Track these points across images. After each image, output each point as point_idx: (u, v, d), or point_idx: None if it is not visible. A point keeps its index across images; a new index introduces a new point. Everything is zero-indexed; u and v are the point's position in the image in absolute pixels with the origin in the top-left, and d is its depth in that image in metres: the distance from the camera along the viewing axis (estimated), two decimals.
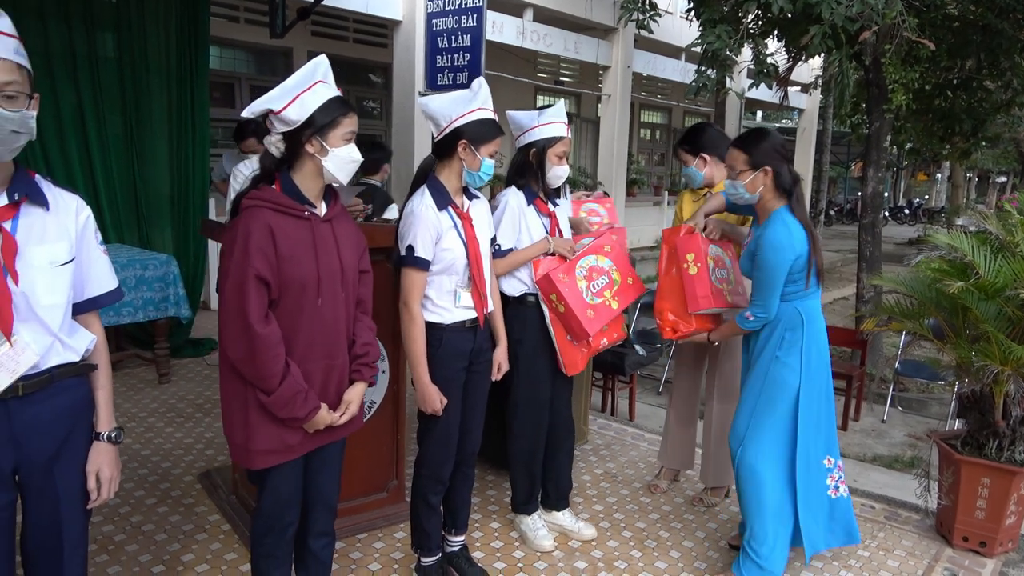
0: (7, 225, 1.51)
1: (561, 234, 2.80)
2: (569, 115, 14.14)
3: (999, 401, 2.84)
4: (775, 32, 7.08)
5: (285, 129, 1.93)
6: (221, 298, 1.87)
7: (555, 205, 2.82)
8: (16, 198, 1.54)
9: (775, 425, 2.59)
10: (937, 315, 3.00)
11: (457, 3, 7.67)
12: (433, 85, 8.07)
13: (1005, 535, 2.98)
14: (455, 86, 7.92)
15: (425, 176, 2.46)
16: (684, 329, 2.83)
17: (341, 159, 1.93)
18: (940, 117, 8.44)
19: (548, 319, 2.72)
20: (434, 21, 7.89)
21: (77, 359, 1.65)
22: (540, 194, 2.76)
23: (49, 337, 1.58)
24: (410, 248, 2.34)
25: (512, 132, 2.80)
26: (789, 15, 6.22)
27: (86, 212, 1.69)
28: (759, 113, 22.03)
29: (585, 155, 13.93)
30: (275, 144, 1.96)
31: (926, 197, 30.09)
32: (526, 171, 2.74)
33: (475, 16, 7.58)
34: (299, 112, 1.90)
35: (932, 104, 8.13)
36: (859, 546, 3.01)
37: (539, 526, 2.97)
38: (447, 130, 2.37)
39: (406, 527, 3.03)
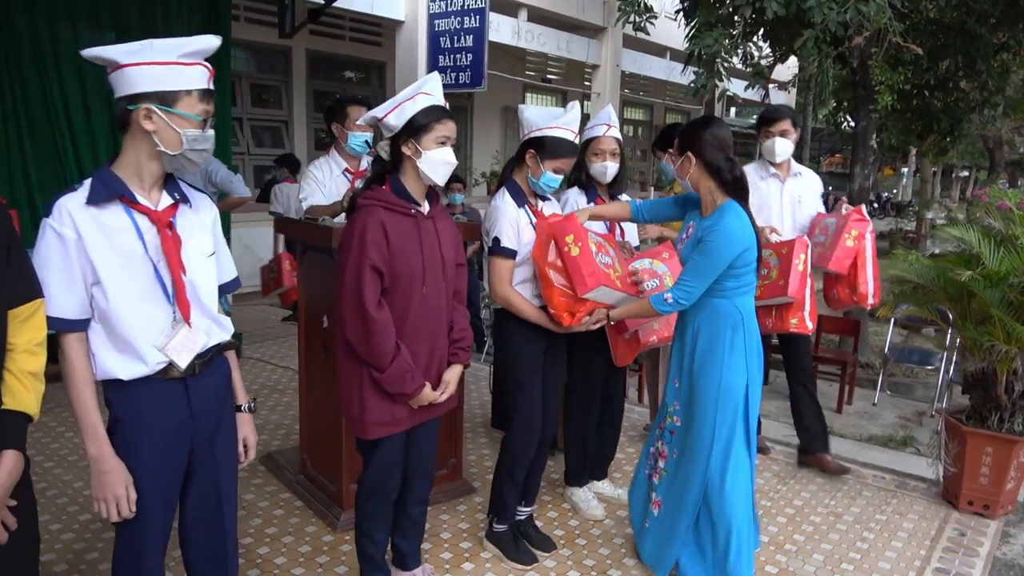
0: (173, 222, 1.73)
1: (623, 232, 3.06)
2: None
3: (1002, 378, 3.17)
4: (762, 32, 7.39)
5: (389, 134, 2.18)
6: (340, 286, 2.12)
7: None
8: (176, 197, 1.76)
9: (736, 439, 2.51)
10: (944, 302, 3.32)
11: (459, 4, 7.88)
12: None
13: (1006, 498, 3.32)
14: (457, 85, 8.13)
15: (506, 176, 2.74)
16: (581, 309, 2.60)
17: (434, 161, 2.17)
18: (919, 116, 8.84)
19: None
20: (436, 22, 8.09)
21: (227, 338, 1.87)
22: (600, 193, 3.03)
23: (208, 319, 1.81)
24: (496, 240, 2.61)
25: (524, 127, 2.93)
26: (780, 17, 6.48)
27: (215, 210, 1.91)
28: (732, 110, 22.55)
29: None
30: (384, 149, 2.21)
31: (894, 191, 30.91)
32: (582, 169, 3.01)
33: (477, 17, 7.79)
34: (398, 118, 2.15)
35: (912, 104, 8.54)
36: (877, 510, 3.33)
37: (590, 497, 3.23)
38: (526, 137, 2.63)
39: (467, 500, 3.30)
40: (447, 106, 2.22)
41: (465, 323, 2.40)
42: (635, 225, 3.17)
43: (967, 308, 3.28)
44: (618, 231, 3.06)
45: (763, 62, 7.54)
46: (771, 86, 8.07)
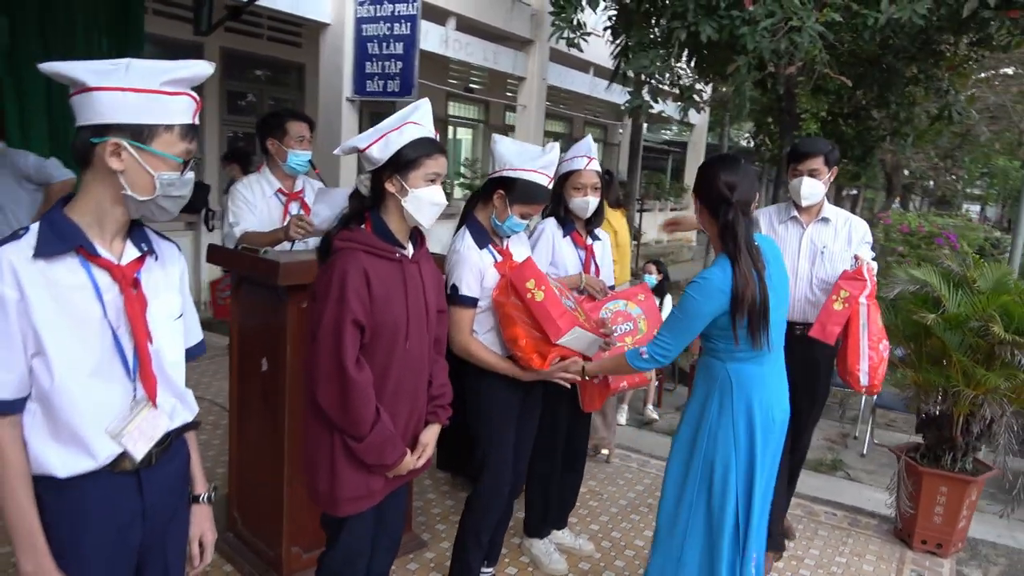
0: (139, 278, 1.42)
1: (598, 270, 2.89)
2: (477, 122, 14.27)
3: (958, 419, 3.19)
4: (695, 57, 7.48)
5: (371, 167, 1.91)
6: (315, 343, 1.82)
7: (594, 239, 2.90)
8: (143, 249, 1.44)
9: (704, 516, 2.24)
10: (901, 342, 3.32)
11: (390, 10, 7.57)
12: (362, 91, 7.93)
13: (957, 537, 3.34)
14: (385, 94, 7.82)
15: (467, 213, 2.50)
16: (552, 352, 2.37)
17: (421, 201, 1.91)
18: (836, 142, 9.19)
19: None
20: (364, 26, 7.75)
21: (191, 418, 1.56)
22: (578, 227, 2.84)
23: (174, 397, 1.50)
24: (454, 288, 2.36)
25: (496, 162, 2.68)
26: (712, 40, 6.52)
27: (183, 261, 1.60)
28: (644, 126, 23.06)
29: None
30: (363, 183, 1.93)
31: None
32: (559, 202, 2.82)
33: (409, 24, 7.51)
34: (383, 151, 1.88)
35: (827, 131, 8.86)
36: (836, 552, 3.29)
37: (551, 550, 3.03)
38: (496, 175, 2.41)
39: (417, 556, 3.04)
40: (438, 137, 1.97)
41: (444, 376, 2.16)
42: (611, 265, 3.00)
43: (921, 348, 3.30)
44: (592, 267, 2.89)
45: (694, 84, 7.63)
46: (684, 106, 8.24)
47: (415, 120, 1.93)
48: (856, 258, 2.83)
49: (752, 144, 10.85)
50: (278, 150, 3.04)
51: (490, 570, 2.72)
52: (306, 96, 10.03)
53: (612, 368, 2.50)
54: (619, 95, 14.24)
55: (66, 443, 1.35)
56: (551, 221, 2.86)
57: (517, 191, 2.38)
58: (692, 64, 7.68)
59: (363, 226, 1.93)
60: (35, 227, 1.35)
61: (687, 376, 6.20)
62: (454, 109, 13.38)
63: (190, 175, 1.40)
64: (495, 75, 12.62)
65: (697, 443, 2.24)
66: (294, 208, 3.06)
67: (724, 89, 10.69)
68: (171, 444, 1.51)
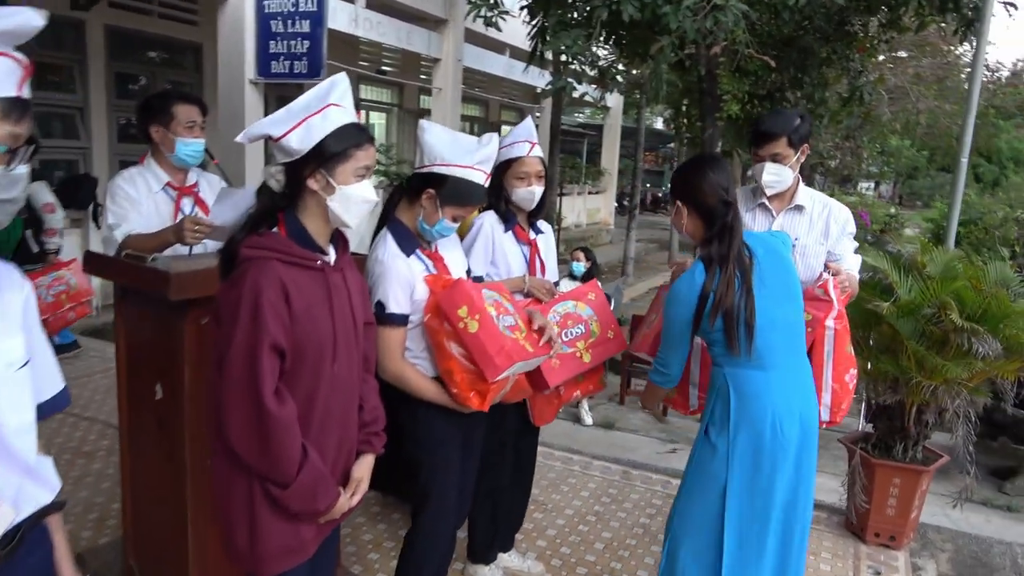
0: None
1: (543, 267, 2.60)
2: (391, 105, 13.76)
3: (911, 408, 3.10)
4: (614, 37, 7.31)
5: (286, 159, 1.56)
6: (223, 376, 1.47)
7: (537, 232, 2.61)
8: None
9: (703, 523, 2.07)
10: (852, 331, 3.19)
11: None
12: (266, 73, 7.37)
13: (910, 528, 3.27)
14: (291, 75, 7.30)
15: (388, 213, 2.15)
16: (491, 389, 2.04)
17: (350, 199, 1.60)
18: (749, 123, 9.25)
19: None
20: (266, 3, 7.18)
21: (51, 497, 1.19)
22: (520, 220, 2.54)
23: (19, 475, 1.12)
24: (380, 305, 2.03)
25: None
26: (635, 20, 6.35)
27: (27, 287, 1.22)
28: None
29: (408, 148, 13.58)
30: (274, 177, 1.58)
31: None
32: (499, 195, 2.50)
33: (315, 1, 7.01)
34: (303, 140, 1.54)
35: (747, 112, 8.89)
36: None
37: (499, 575, 2.76)
38: (424, 170, 2.08)
39: None
40: (362, 121, 1.63)
41: (376, 399, 1.83)
42: (555, 259, 2.72)
43: (870, 337, 3.19)
44: (538, 264, 2.60)
45: (612, 66, 7.47)
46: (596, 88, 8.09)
47: (336, 101, 1.59)
48: (824, 269, 2.47)
49: (671, 127, 10.84)
50: (164, 138, 2.59)
51: None
52: (204, 78, 9.31)
53: (651, 393, 2.34)
54: (536, 77, 14.04)
55: None
56: (490, 216, 2.54)
57: (449, 191, 2.04)
58: (611, 44, 7.50)
59: (275, 229, 1.58)
60: None
61: (619, 364, 6.04)
62: (366, 92, 12.84)
63: (21, 170, 1.03)
64: (408, 56, 12.14)
65: (700, 456, 2.11)
66: (187, 206, 2.64)
67: (636, 72, 10.61)
68: (23, 538, 1.14)
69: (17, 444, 1.12)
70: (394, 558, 2.79)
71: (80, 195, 6.76)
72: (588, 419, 5.13)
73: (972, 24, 6.18)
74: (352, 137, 1.58)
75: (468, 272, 2.33)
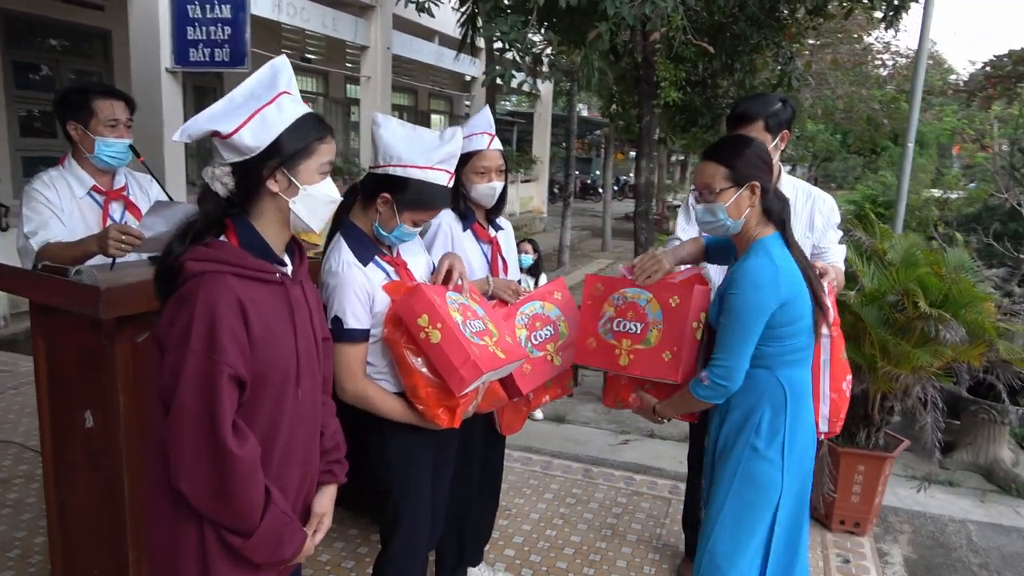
0: None
1: (506, 266, 2.44)
2: (316, 95, 13.31)
3: (876, 396, 3.10)
4: (548, 23, 7.20)
5: (237, 159, 1.36)
6: (172, 411, 1.27)
7: (497, 229, 2.45)
8: None
9: (752, 541, 1.97)
10: None
11: None
12: (184, 61, 6.94)
13: (873, 513, 3.29)
14: (212, 63, 6.89)
15: (341, 217, 1.95)
16: (461, 403, 1.91)
17: (315, 199, 1.43)
18: (682, 111, 9.32)
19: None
20: None
21: None
22: (479, 217, 2.37)
23: None
24: (337, 320, 1.84)
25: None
26: (571, 6, 6.24)
27: None
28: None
29: (337, 139, 13.16)
30: (220, 179, 1.37)
31: (630, 174, 33.59)
32: (457, 191, 2.33)
33: None
34: (259, 135, 1.36)
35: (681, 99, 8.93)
36: None
37: None
38: (379, 170, 1.89)
39: None
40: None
41: (336, 423, 1.66)
42: (517, 257, 2.57)
43: None
44: (500, 264, 2.44)
45: (542, 53, 7.36)
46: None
47: (286, 88, 1.40)
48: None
49: (605, 114, 10.82)
50: (83, 137, 2.30)
51: None
52: (115, 67, 8.74)
53: (683, 406, 2.07)
54: (467, 65, 13.80)
55: None
56: (448, 214, 2.35)
57: (409, 195, 1.85)
58: (545, 30, 7.38)
59: (223, 238, 1.38)
60: None
61: None
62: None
63: None
64: (333, 43, 11.73)
65: (749, 472, 1.94)
66: (116, 211, 2.36)
67: (566, 59, 10.52)
68: None
69: None
70: None
71: None
72: (539, 414, 5.01)
73: (899, 11, 6.34)
74: (313, 130, 1.41)
75: None
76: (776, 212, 1.93)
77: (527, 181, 18.76)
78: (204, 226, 1.38)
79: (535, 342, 2.35)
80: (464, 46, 6.81)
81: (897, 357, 2.88)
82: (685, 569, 2.87)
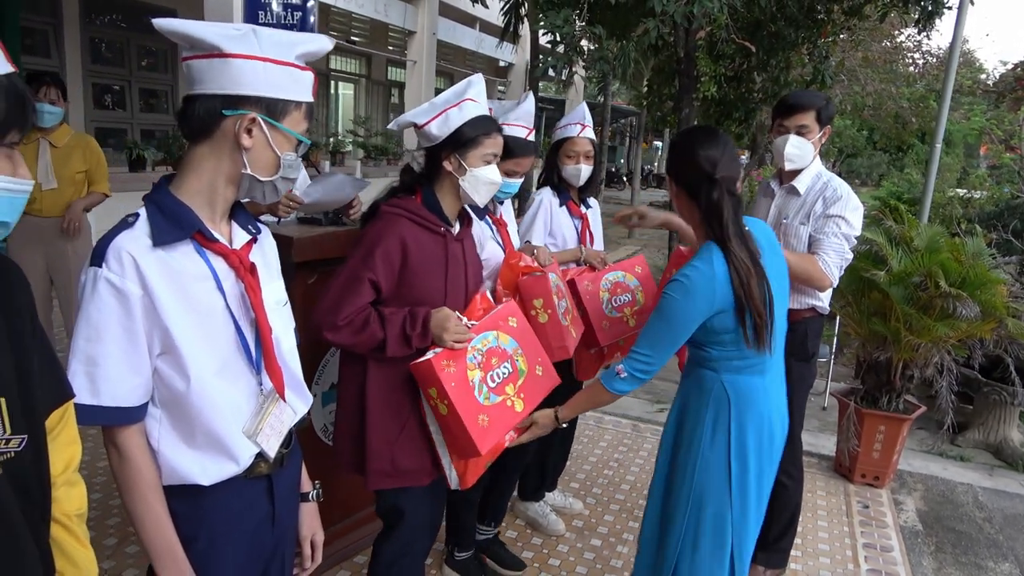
0: (255, 264, 1.31)
1: (592, 239, 2.90)
2: (359, 76, 13.73)
3: (898, 364, 3.54)
4: (597, 18, 7.58)
5: (428, 144, 1.88)
6: (329, 283, 1.80)
7: (588, 207, 2.91)
8: (252, 231, 1.33)
9: (711, 549, 1.84)
10: (845, 296, 3.62)
11: None
12: None
13: (891, 469, 3.74)
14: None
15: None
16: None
17: (478, 179, 1.89)
18: (717, 103, 9.68)
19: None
20: None
21: (307, 409, 1.46)
22: (572, 196, 2.84)
23: (294, 388, 1.39)
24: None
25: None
26: (621, 2, 6.61)
27: (274, 241, 1.48)
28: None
29: (378, 119, 13.63)
30: (415, 159, 1.89)
31: (655, 163, 33.85)
32: (553, 170, 2.81)
33: None
34: (442, 128, 1.84)
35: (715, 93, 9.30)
36: None
37: (548, 511, 3.10)
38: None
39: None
40: (492, 113, 1.93)
41: None
42: (601, 230, 3.03)
43: (861, 303, 3.61)
44: (588, 236, 2.90)
45: (589, 44, 7.74)
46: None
47: (472, 97, 1.87)
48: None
49: (643, 105, 11.17)
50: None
51: (493, 529, 2.77)
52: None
53: (588, 403, 2.04)
54: (503, 52, 14.19)
55: (204, 449, 1.24)
56: (547, 191, 2.84)
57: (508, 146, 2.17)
58: (589, 24, 7.77)
59: (414, 197, 1.89)
60: (143, 211, 1.20)
61: None
62: (335, 63, 12.81)
63: (299, 156, 1.29)
64: (377, 26, 12.16)
65: (681, 467, 1.88)
66: None
67: (593, 48, 10.82)
68: (292, 441, 1.41)
69: (292, 364, 1.39)
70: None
71: None
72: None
73: (932, 16, 6.68)
74: (483, 126, 1.87)
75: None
76: (716, 221, 1.76)
77: None
78: (401, 187, 1.92)
79: (615, 304, 2.81)
80: (506, 34, 7.22)
81: (919, 329, 3.31)
82: None
